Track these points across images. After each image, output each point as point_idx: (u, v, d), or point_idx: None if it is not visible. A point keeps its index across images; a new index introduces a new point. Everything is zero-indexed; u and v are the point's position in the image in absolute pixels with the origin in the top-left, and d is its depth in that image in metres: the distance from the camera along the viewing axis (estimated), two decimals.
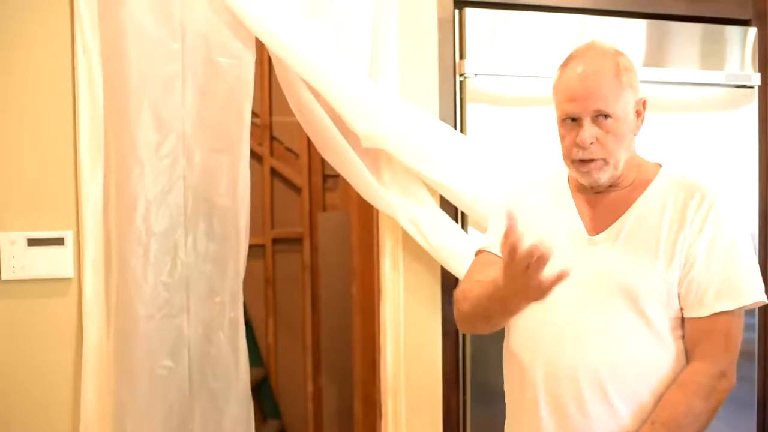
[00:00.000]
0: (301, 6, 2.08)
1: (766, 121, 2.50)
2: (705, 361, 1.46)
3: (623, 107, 1.49)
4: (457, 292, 1.67)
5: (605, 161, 1.50)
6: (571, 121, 1.50)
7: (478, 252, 1.74)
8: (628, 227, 1.53)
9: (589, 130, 1.47)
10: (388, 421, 2.26)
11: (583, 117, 1.48)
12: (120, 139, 2.04)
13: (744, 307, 1.47)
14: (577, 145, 1.49)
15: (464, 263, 2.09)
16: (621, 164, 1.52)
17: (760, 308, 2.40)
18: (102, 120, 2.04)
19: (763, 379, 2.49)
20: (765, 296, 1.49)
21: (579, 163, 1.51)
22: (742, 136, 2.47)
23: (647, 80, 2.35)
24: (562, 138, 1.54)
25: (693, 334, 1.48)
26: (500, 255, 1.63)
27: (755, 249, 2.44)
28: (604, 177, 1.52)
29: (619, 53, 1.53)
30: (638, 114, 1.54)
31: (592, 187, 1.59)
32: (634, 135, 1.54)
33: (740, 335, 1.49)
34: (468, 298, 1.58)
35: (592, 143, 1.48)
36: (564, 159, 1.56)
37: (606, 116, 1.47)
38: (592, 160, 1.49)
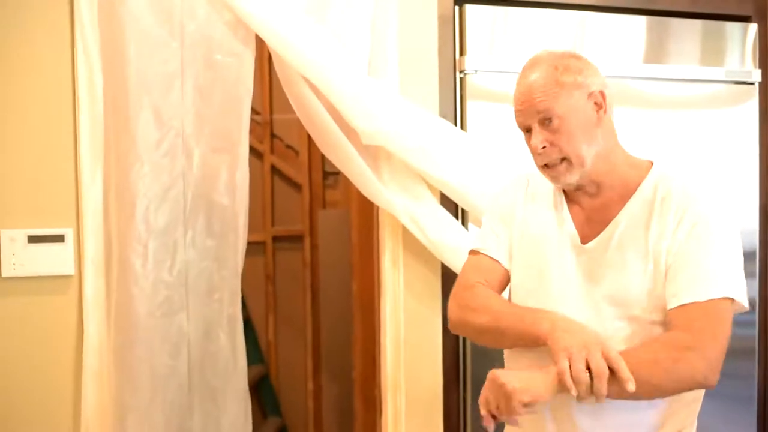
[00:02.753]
0: (301, 3, 2.08)
1: (766, 118, 2.50)
2: (684, 332, 1.41)
3: (566, 105, 1.49)
4: (466, 300, 1.63)
5: (567, 161, 1.50)
6: (527, 133, 1.55)
7: (472, 252, 1.72)
8: (618, 234, 1.52)
9: (537, 137, 1.51)
10: (388, 418, 2.26)
11: (531, 125, 1.52)
12: (120, 136, 2.04)
13: (718, 300, 1.42)
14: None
15: (464, 260, 2.09)
16: (588, 160, 1.51)
17: (759, 304, 2.43)
18: (102, 118, 2.04)
19: (763, 375, 2.49)
20: (741, 297, 1.44)
21: (543, 168, 1.55)
22: (742, 133, 2.47)
23: (647, 77, 2.36)
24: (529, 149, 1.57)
25: (672, 321, 1.44)
26: (494, 258, 1.66)
27: (756, 245, 2.45)
28: (572, 177, 1.51)
29: (561, 56, 1.54)
30: (598, 106, 1.52)
31: (578, 190, 1.57)
32: (596, 128, 1.52)
33: (724, 327, 1.43)
34: (490, 319, 1.56)
35: (544, 147, 1.50)
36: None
37: (548, 119, 1.50)
38: (552, 164, 1.52)
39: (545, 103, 1.49)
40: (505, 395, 1.35)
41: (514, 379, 1.36)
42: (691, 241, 1.45)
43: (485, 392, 1.41)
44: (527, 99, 1.51)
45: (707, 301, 1.42)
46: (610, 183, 1.55)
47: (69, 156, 2.05)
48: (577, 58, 1.55)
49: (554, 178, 1.54)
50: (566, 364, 1.34)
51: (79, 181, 2.04)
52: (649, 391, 1.41)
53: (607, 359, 1.34)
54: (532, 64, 1.55)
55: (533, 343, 1.47)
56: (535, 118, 1.51)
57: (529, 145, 1.55)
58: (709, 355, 1.41)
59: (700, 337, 1.40)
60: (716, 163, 2.44)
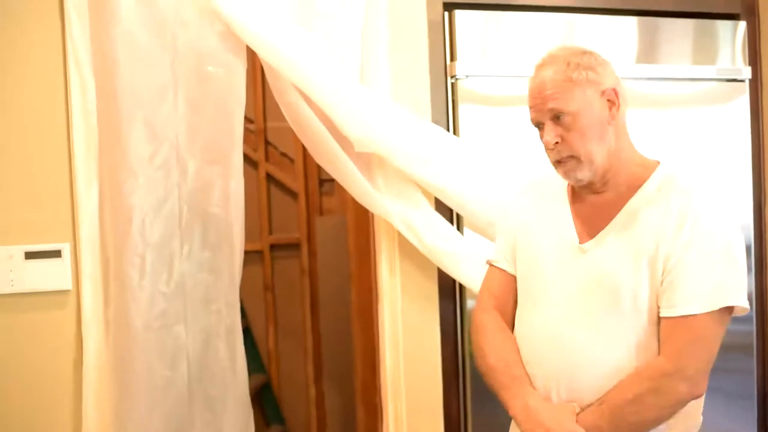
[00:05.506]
0: (291, 13, 2.08)
1: (757, 114, 2.51)
2: (666, 359, 1.44)
3: (579, 102, 1.51)
4: (477, 338, 1.69)
5: (577, 159, 1.52)
6: (539, 128, 1.57)
7: (488, 263, 1.77)
8: (616, 233, 1.53)
9: (549, 133, 1.53)
10: (389, 424, 2.26)
11: (543, 121, 1.54)
12: (113, 150, 2.04)
13: (714, 312, 1.43)
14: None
15: (461, 265, 2.11)
16: (598, 158, 1.52)
17: (756, 300, 2.43)
18: (96, 132, 2.04)
19: (762, 372, 2.49)
20: (741, 302, 1.46)
21: (556, 164, 1.57)
22: (734, 130, 2.48)
23: (640, 77, 2.36)
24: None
25: (664, 332, 1.46)
26: (503, 268, 1.71)
27: (751, 241, 2.46)
28: (583, 175, 1.53)
29: (575, 53, 1.54)
30: (611, 103, 1.53)
31: (586, 187, 1.59)
32: (608, 125, 1.53)
33: (715, 341, 1.46)
34: (485, 370, 1.65)
35: (556, 143, 1.52)
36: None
37: (560, 115, 1.51)
38: (563, 161, 1.54)
39: (557, 101, 1.51)
40: None
41: None
42: (691, 250, 1.45)
43: None
44: (539, 95, 1.53)
45: (701, 314, 1.43)
46: (618, 181, 1.57)
47: (64, 171, 2.05)
48: (591, 54, 1.56)
49: (566, 174, 1.56)
50: None
51: (74, 196, 2.05)
52: (644, 429, 1.46)
53: None
54: (546, 61, 1.56)
55: (508, 412, 1.57)
56: (547, 115, 1.52)
57: (542, 141, 1.56)
58: (689, 373, 1.44)
59: (680, 358, 1.44)
60: (710, 160, 2.45)
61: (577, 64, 1.52)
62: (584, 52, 1.55)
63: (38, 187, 2.04)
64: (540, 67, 1.56)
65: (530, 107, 1.56)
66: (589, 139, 1.51)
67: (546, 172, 1.74)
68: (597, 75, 1.53)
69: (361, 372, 3.01)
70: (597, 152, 1.52)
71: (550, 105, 1.51)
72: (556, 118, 1.51)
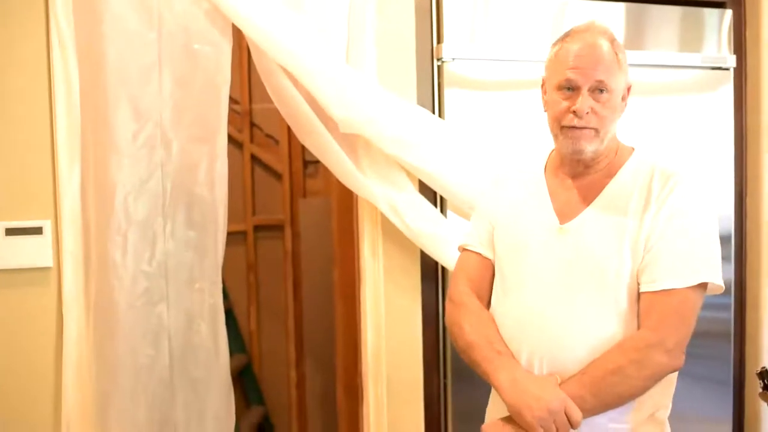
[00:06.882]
0: None
1: (741, 103, 2.53)
2: (649, 330, 1.48)
3: (617, 85, 1.55)
4: (454, 314, 1.68)
5: (596, 132, 1.54)
6: (567, 90, 1.54)
7: (461, 249, 1.77)
8: (597, 214, 1.56)
9: (586, 101, 1.52)
10: (369, 406, 2.27)
11: (582, 86, 1.52)
12: (97, 128, 2.03)
13: (694, 286, 1.48)
14: (573, 112, 1.52)
15: (444, 248, 2.11)
16: (606, 140, 1.56)
17: (735, 288, 2.46)
18: (78, 109, 2.02)
19: (738, 358, 2.52)
20: (717, 279, 1.50)
21: (570, 129, 1.54)
22: (718, 118, 2.49)
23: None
24: (555, 104, 1.56)
25: (644, 306, 1.50)
26: (478, 251, 1.71)
27: (731, 229, 2.48)
28: (590, 148, 1.55)
29: (614, 37, 1.58)
30: (623, 98, 1.59)
31: (571, 165, 1.61)
32: (619, 117, 1.59)
33: (693, 315, 1.50)
34: (464, 345, 1.63)
35: (587, 113, 1.52)
36: (552, 124, 1.58)
37: (602, 90, 1.52)
38: (584, 128, 1.53)
39: (607, 75, 1.52)
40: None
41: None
42: (671, 228, 1.50)
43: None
44: (592, 61, 1.52)
45: (680, 289, 1.48)
46: (598, 166, 1.60)
47: (46, 148, 2.03)
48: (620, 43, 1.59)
49: (573, 141, 1.55)
50: None
51: (56, 173, 2.03)
52: (622, 401, 1.49)
53: (569, 416, 1.44)
54: (591, 30, 1.56)
55: (492, 385, 1.56)
56: (590, 83, 1.52)
57: (563, 102, 1.54)
58: (669, 345, 1.47)
59: (660, 330, 1.47)
60: (693, 147, 2.47)
61: (620, 47, 1.56)
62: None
63: (20, 164, 2.02)
64: (585, 33, 1.55)
65: (572, 68, 1.52)
66: (612, 119, 1.56)
67: (522, 158, 1.76)
68: (627, 67, 1.58)
69: (342, 354, 3.01)
70: (609, 134, 1.56)
71: (600, 76, 1.51)
72: (597, 90, 1.52)
